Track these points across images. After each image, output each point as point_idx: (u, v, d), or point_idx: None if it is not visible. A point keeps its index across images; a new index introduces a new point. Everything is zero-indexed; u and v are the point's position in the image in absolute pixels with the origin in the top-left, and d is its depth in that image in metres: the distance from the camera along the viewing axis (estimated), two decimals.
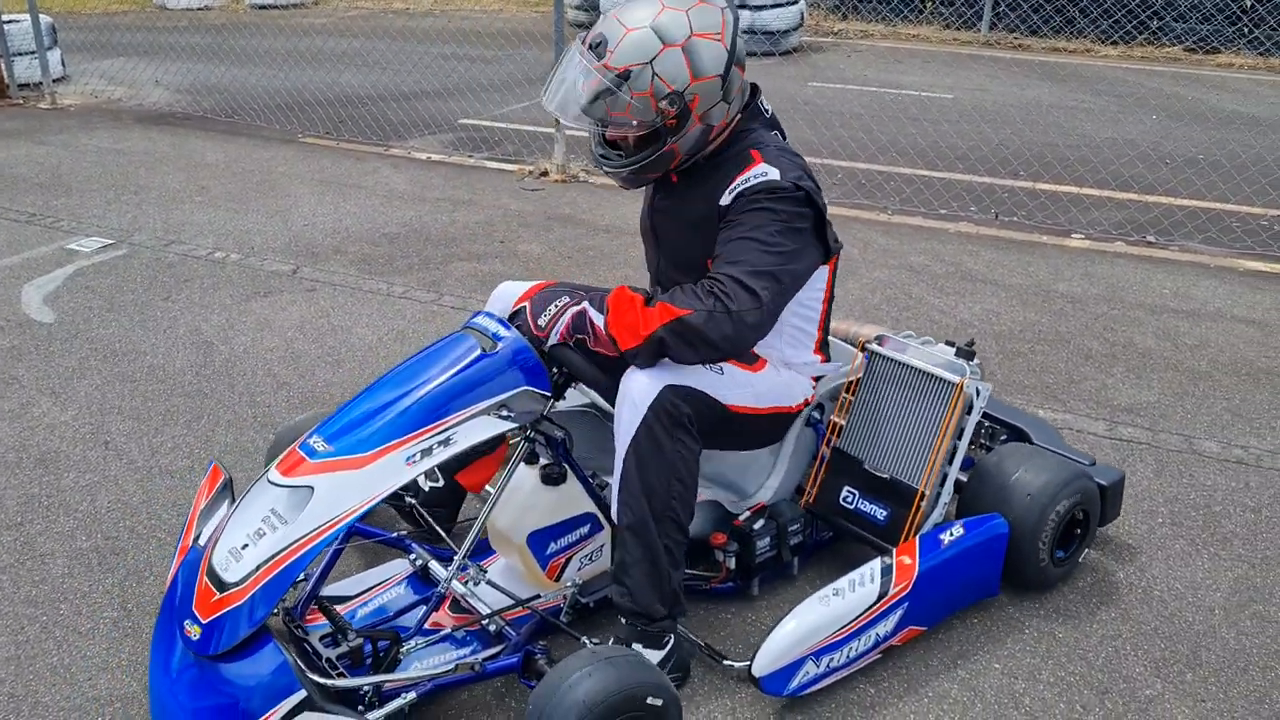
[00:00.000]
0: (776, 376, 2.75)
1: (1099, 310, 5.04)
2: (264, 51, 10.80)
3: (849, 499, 2.94)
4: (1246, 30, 12.20)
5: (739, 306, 2.38)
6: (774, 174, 2.50)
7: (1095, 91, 10.44)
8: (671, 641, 2.53)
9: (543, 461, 2.63)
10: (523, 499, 2.62)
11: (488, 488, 2.75)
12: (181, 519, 3.26)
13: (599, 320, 2.43)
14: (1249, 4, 12.15)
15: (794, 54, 12.21)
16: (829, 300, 2.81)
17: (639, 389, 2.42)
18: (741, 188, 2.51)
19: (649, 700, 2.16)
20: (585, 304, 2.45)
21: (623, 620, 2.49)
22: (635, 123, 2.46)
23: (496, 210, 6.54)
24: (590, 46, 2.43)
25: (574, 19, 13.91)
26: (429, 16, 15.14)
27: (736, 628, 2.85)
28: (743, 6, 11.91)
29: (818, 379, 2.92)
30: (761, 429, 2.78)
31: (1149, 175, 7.02)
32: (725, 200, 2.54)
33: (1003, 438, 3.25)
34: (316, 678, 2.23)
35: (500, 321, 2.51)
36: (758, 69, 11.25)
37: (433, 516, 2.87)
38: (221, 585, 2.22)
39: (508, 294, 2.89)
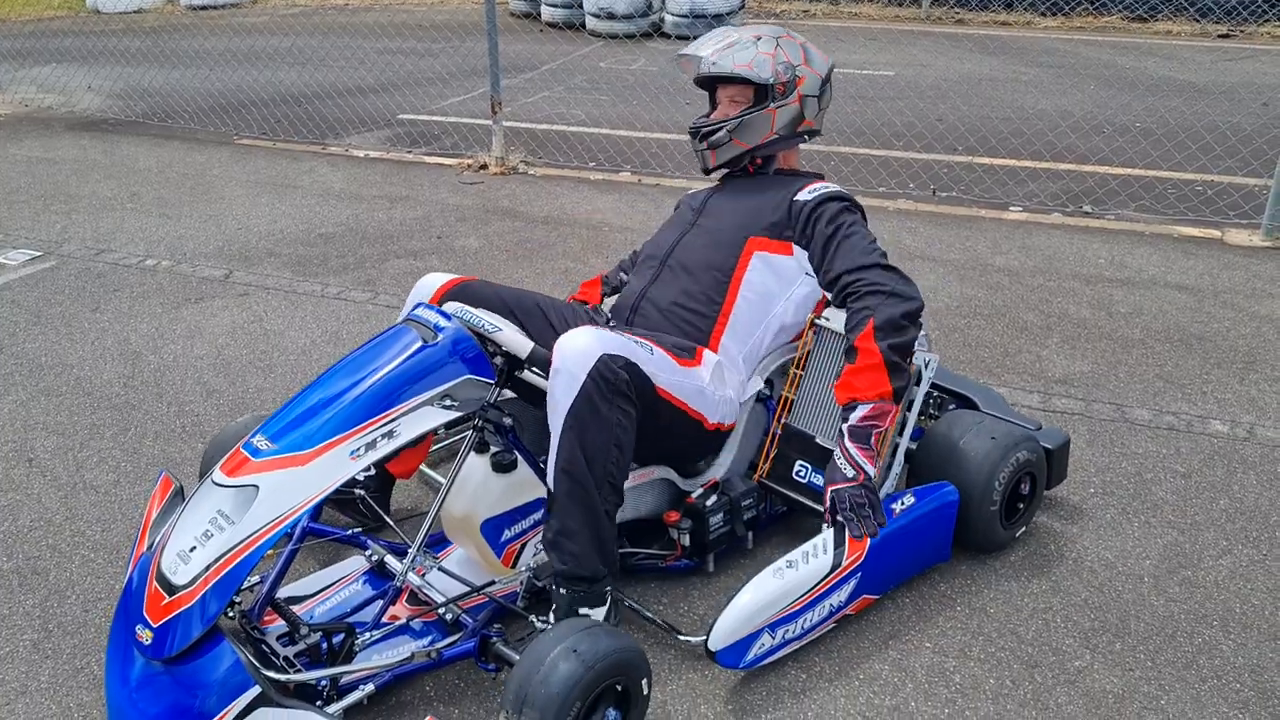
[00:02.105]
0: (704, 381, 2.81)
1: (1035, 282, 5.06)
2: (199, 53, 10.62)
3: (801, 472, 2.96)
4: None
5: (895, 284, 2.77)
6: (835, 187, 3.02)
7: (1034, 64, 10.49)
8: (610, 596, 2.56)
9: (493, 449, 2.65)
10: (475, 488, 2.63)
11: (436, 475, 2.78)
12: (107, 534, 3.20)
13: (867, 409, 2.69)
14: None
15: None
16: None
17: (575, 357, 2.46)
18: (819, 193, 2.96)
19: (628, 668, 2.23)
20: (868, 419, 2.69)
21: (560, 589, 2.50)
22: (756, 73, 2.96)
23: (434, 205, 6.47)
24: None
25: (516, 8, 13.82)
26: (369, 11, 14.95)
27: (695, 603, 2.87)
28: None
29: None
30: (679, 428, 2.77)
31: (1084, 145, 7.06)
32: (805, 198, 2.96)
33: (950, 406, 3.27)
34: (271, 673, 2.24)
35: (439, 312, 2.54)
36: None
37: (374, 498, 2.91)
38: (171, 588, 2.23)
39: (427, 286, 2.98)
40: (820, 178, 3.09)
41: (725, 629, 2.47)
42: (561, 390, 2.46)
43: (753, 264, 2.95)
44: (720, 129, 3.04)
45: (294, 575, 2.76)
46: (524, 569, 2.70)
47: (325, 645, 2.39)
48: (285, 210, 6.39)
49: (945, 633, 2.76)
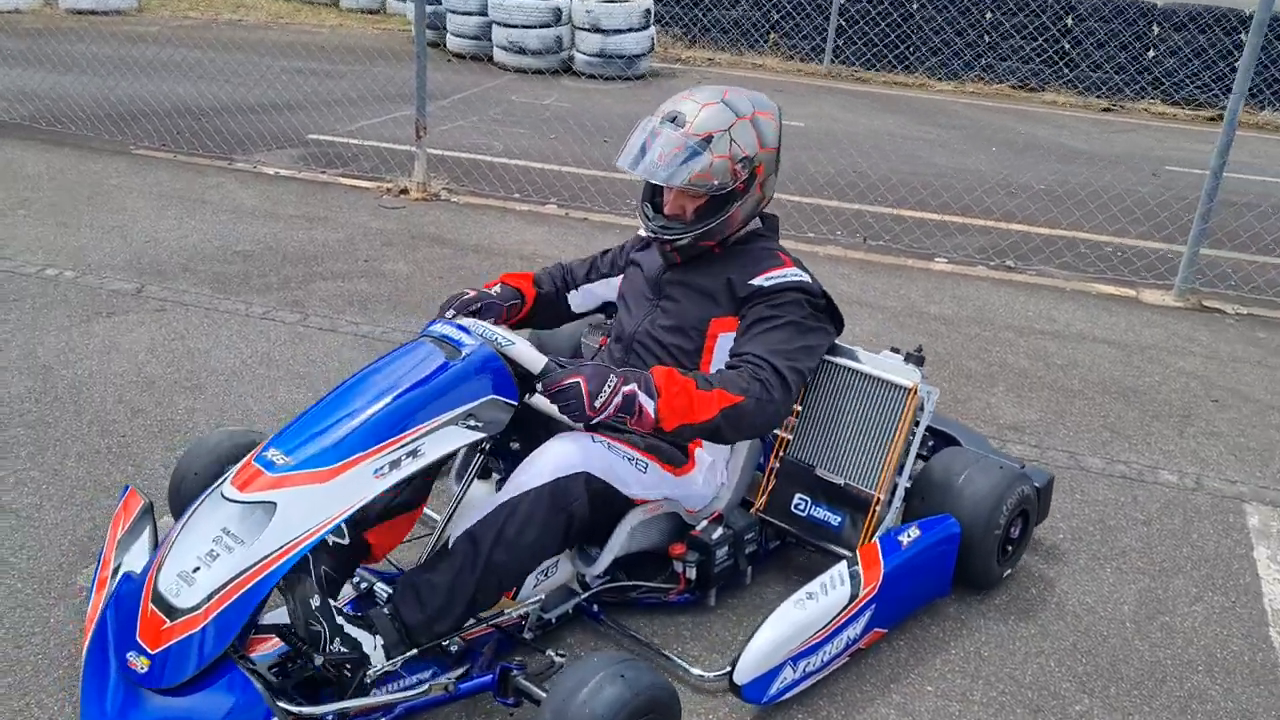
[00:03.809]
0: (697, 485, 2.83)
1: (971, 331, 5.16)
2: (87, 58, 10.05)
3: (800, 506, 2.95)
4: (1064, 71, 12.97)
5: (779, 396, 2.60)
6: (807, 279, 2.78)
7: (936, 124, 10.86)
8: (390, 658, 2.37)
9: (496, 476, 2.55)
10: (478, 515, 2.49)
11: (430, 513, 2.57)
12: (35, 563, 2.91)
13: (649, 405, 2.47)
14: (1067, 46, 12.93)
15: (646, 79, 12.27)
16: None
17: (559, 458, 2.50)
18: (780, 280, 2.74)
19: (666, 707, 2.16)
20: (634, 385, 2.46)
21: (385, 610, 2.35)
22: (715, 183, 2.67)
23: (356, 228, 6.23)
24: (667, 120, 2.70)
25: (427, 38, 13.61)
26: (266, 29, 14.48)
27: (689, 639, 2.80)
28: (596, 30, 11.88)
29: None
30: (658, 521, 2.78)
31: (1001, 204, 7.30)
32: (761, 282, 2.74)
33: (930, 443, 3.26)
34: (286, 705, 2.08)
35: (460, 328, 2.42)
36: (616, 93, 11.27)
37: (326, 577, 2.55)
38: (172, 611, 2.06)
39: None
40: (783, 258, 2.82)
41: (751, 662, 2.40)
42: (532, 470, 2.48)
43: (718, 344, 2.82)
44: (685, 237, 2.76)
45: (274, 603, 2.53)
46: (530, 600, 2.56)
47: (334, 676, 2.21)
48: (196, 225, 6.05)
49: (944, 676, 2.72)
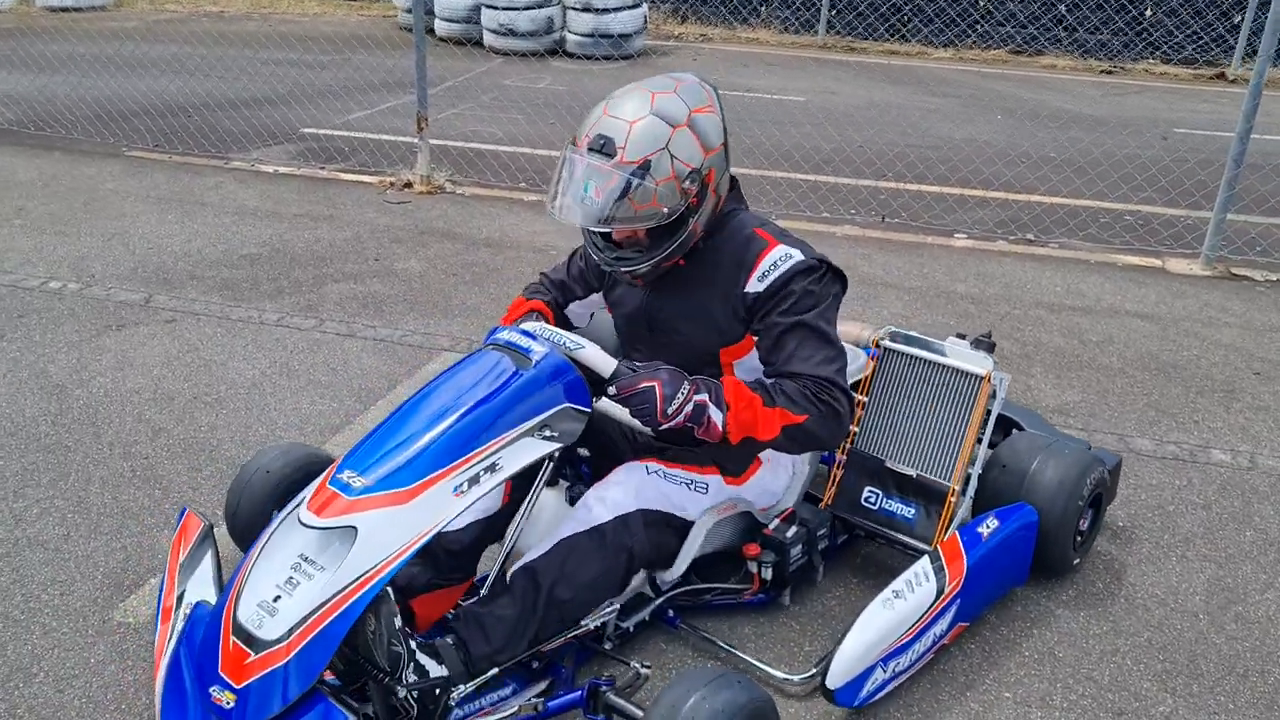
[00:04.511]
0: (761, 482, 2.73)
1: (1001, 310, 5.06)
2: (69, 57, 9.84)
3: (871, 499, 2.90)
4: (1064, 34, 12.82)
5: (843, 407, 2.44)
6: (797, 254, 2.49)
7: (937, 93, 10.72)
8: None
9: (564, 484, 2.51)
10: (547, 523, 2.48)
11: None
12: (68, 598, 2.80)
13: (718, 417, 2.37)
14: (1064, 10, 12.78)
15: (639, 58, 12.09)
16: None
17: (621, 495, 2.47)
18: (775, 274, 2.47)
19: (763, 714, 2.09)
20: (706, 395, 2.36)
21: (449, 640, 2.25)
22: (665, 210, 2.36)
23: (363, 226, 6.09)
24: (594, 150, 2.34)
25: (405, 21, 13.40)
26: (247, 19, 14.23)
27: (776, 638, 2.76)
28: (588, 10, 11.70)
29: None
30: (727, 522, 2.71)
31: (1014, 174, 7.17)
32: (756, 288, 2.48)
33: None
34: None
35: (527, 334, 2.32)
36: (610, 74, 11.08)
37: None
38: (255, 644, 1.97)
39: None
40: (764, 235, 2.55)
41: (843, 666, 2.34)
42: (592, 510, 2.45)
43: (736, 369, 2.62)
44: (645, 265, 2.48)
45: None
46: (606, 610, 2.47)
47: (417, 701, 2.12)
48: (198, 229, 5.90)
49: (1020, 680, 2.63)
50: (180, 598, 2.41)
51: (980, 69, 12.38)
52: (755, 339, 2.53)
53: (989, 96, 10.68)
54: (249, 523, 2.70)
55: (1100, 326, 4.89)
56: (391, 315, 4.79)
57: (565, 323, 2.93)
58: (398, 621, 2.14)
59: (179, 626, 2.33)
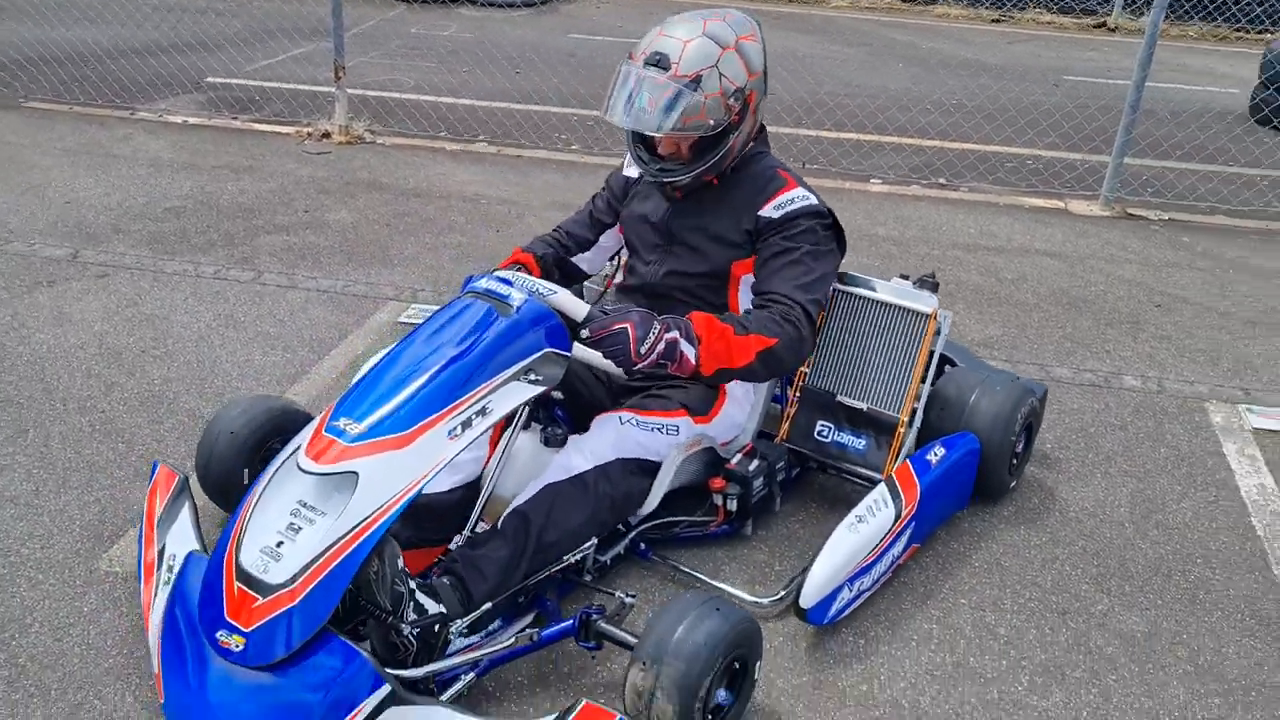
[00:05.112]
0: (723, 416, 2.90)
1: (921, 251, 5.30)
2: None
3: (824, 432, 3.07)
4: None
5: (807, 334, 2.68)
6: (813, 198, 2.77)
7: (842, 42, 10.95)
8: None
9: (538, 427, 2.60)
10: (524, 465, 2.58)
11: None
12: (49, 551, 2.80)
13: (690, 352, 2.52)
14: None
15: (544, 5, 12.02)
16: None
17: (600, 446, 2.63)
18: (789, 207, 2.73)
19: (753, 641, 2.25)
20: (676, 332, 2.51)
21: (446, 580, 2.35)
22: (711, 123, 2.62)
23: (286, 177, 6.01)
24: (650, 64, 2.60)
25: None
26: None
27: (740, 566, 2.91)
28: None
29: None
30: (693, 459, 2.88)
31: (924, 121, 7.44)
32: (771, 213, 2.73)
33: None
34: (391, 670, 2.10)
35: (503, 280, 2.42)
36: (517, 20, 11.01)
37: None
38: (263, 588, 2.04)
39: None
40: (785, 176, 2.82)
41: (814, 587, 2.51)
42: (573, 460, 2.59)
43: (741, 285, 2.86)
44: (686, 177, 2.73)
45: None
46: (586, 545, 2.60)
47: (417, 638, 2.22)
48: (115, 182, 5.76)
49: (974, 589, 2.86)
50: (161, 552, 2.45)
51: (877, 17, 12.69)
52: (755, 257, 2.76)
53: (891, 45, 10.96)
54: (224, 471, 2.76)
55: (1014, 265, 5.18)
56: (330, 266, 4.79)
57: (567, 269, 3.11)
58: (400, 563, 2.22)
59: (167, 580, 2.37)
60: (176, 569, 2.32)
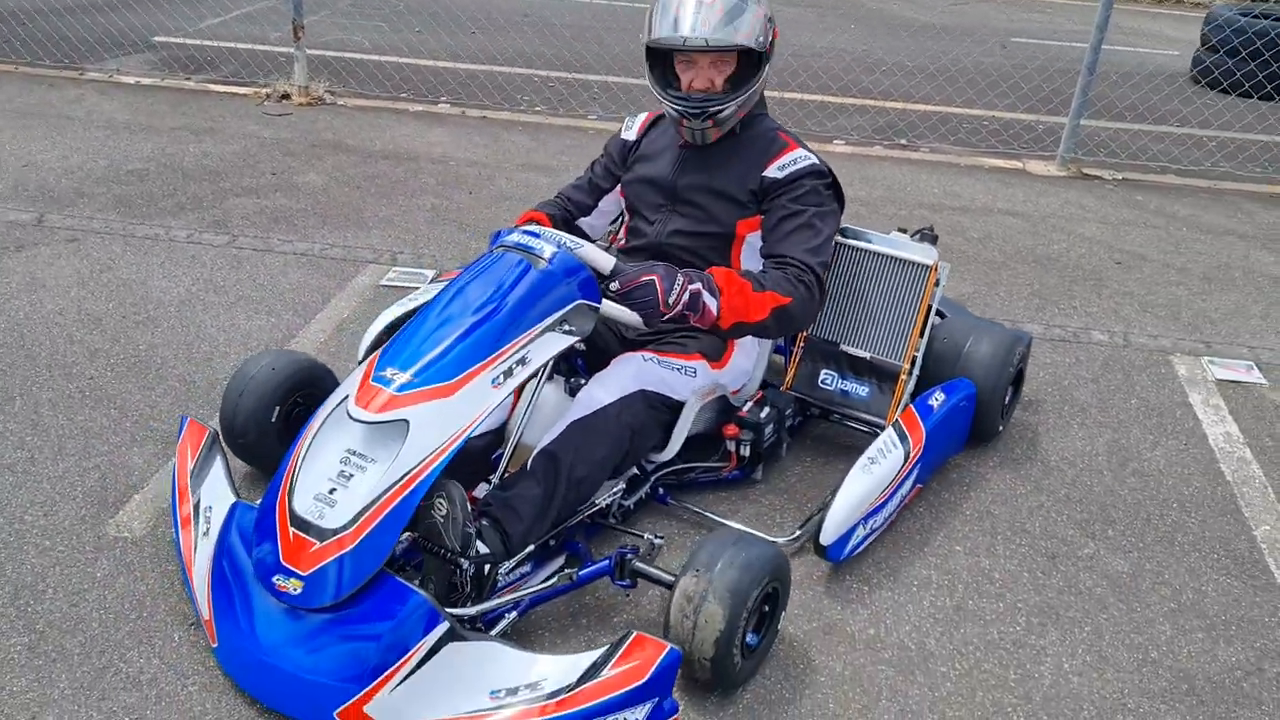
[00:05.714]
0: (734, 364, 2.99)
1: (889, 211, 5.40)
2: None
3: (828, 380, 3.22)
4: None
5: (818, 294, 2.79)
6: (814, 159, 2.88)
7: (791, 2, 10.98)
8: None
9: (561, 378, 2.71)
10: (550, 414, 2.64)
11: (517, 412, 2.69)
12: (52, 518, 2.80)
13: (712, 303, 2.61)
14: None
15: None
16: None
17: (622, 379, 2.70)
18: (793, 167, 2.83)
19: (786, 575, 2.37)
20: (699, 284, 2.59)
21: (485, 523, 2.40)
22: (761, 39, 2.75)
23: (249, 139, 5.92)
24: None
25: None
26: None
27: (754, 508, 3.03)
28: None
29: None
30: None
31: (882, 82, 7.53)
32: (775, 174, 2.83)
33: None
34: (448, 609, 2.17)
35: (532, 234, 2.48)
36: None
37: None
38: (320, 533, 2.11)
39: None
40: (786, 138, 2.92)
41: (834, 524, 2.63)
42: (596, 395, 2.65)
43: (746, 244, 2.94)
44: (728, 105, 2.77)
45: None
46: (613, 487, 2.69)
47: (472, 579, 2.31)
48: (73, 145, 5.63)
49: (967, 535, 2.97)
50: (197, 505, 2.49)
51: None
52: (762, 218, 2.85)
53: (840, 5, 11.03)
54: (255, 410, 2.77)
55: (979, 224, 5.31)
56: (305, 229, 4.75)
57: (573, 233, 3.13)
58: (468, 505, 2.28)
59: (205, 531, 2.41)
60: (218, 519, 2.36)
